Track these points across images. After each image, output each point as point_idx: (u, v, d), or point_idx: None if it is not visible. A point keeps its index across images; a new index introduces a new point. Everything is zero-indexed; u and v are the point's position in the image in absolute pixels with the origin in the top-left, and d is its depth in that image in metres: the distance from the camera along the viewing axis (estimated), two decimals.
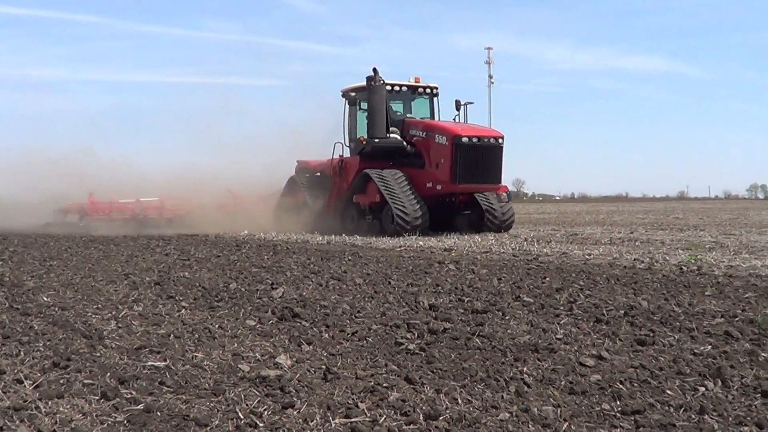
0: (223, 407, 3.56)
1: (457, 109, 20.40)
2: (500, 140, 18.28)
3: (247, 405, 3.58)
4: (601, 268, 9.40)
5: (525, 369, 4.13)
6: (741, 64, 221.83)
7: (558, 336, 5.00)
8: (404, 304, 6.55)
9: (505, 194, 18.90)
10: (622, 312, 5.85)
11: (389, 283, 8.02)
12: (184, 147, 42.03)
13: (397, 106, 20.73)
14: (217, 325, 5.59)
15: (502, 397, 3.65)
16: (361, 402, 3.59)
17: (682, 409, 3.40)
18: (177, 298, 7.16)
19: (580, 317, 5.73)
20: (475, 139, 17.88)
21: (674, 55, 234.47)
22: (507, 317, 5.77)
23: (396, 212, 17.32)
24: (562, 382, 3.85)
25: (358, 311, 6.15)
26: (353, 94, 20.28)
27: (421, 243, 14.43)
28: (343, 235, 17.63)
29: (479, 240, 14.99)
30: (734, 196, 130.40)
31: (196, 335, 5.23)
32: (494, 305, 6.32)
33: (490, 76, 66.30)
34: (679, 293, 6.92)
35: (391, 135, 19.05)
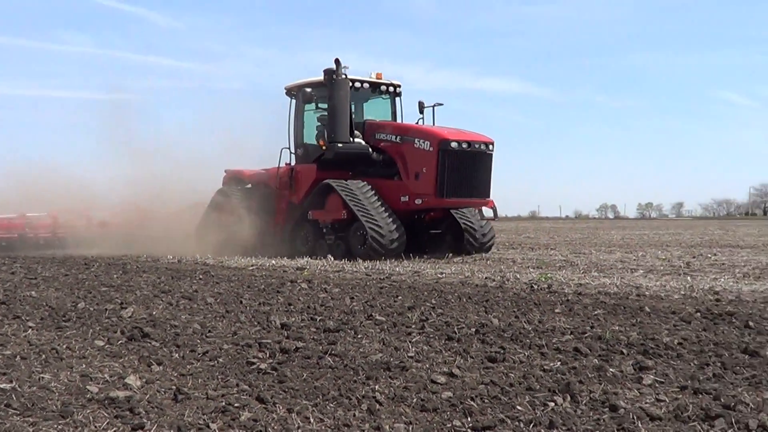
0: (71, 429, 3.47)
1: (421, 112, 18.02)
2: (491, 147, 16.24)
3: (96, 427, 3.49)
4: (453, 286, 9.59)
5: (377, 387, 4.16)
6: (592, 88, 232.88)
7: (410, 354, 5.06)
8: (256, 323, 6.50)
9: (491, 210, 17.00)
10: (474, 330, 5.99)
11: (241, 302, 7.95)
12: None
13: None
14: (64, 346, 5.41)
15: (354, 415, 3.66)
16: (212, 422, 3.54)
17: (532, 424, 3.49)
18: (23, 317, 6.93)
19: (431, 335, 5.83)
20: (464, 145, 15.69)
21: (528, 77, 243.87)
22: (359, 336, 5.81)
23: (370, 232, 15.07)
24: (414, 400, 3.90)
25: (209, 331, 6.06)
26: (309, 90, 17.28)
27: (273, 262, 14.34)
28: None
29: (332, 260, 15.01)
30: (584, 216, 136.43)
31: (43, 356, 5.05)
32: (346, 324, 6.36)
33: None
34: (530, 311, 7.15)
35: (355, 139, 16.89)
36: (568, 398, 3.90)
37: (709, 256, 15.38)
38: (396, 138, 16.51)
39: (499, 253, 17.32)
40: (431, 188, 15.51)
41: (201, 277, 11.00)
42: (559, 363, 4.72)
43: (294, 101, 18.21)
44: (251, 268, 12.88)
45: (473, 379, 4.35)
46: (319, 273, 11.84)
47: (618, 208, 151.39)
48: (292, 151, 17.97)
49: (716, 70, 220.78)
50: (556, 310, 7.15)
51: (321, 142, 16.73)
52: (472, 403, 3.83)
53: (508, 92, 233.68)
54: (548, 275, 10.74)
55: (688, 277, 10.26)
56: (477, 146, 15.85)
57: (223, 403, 3.83)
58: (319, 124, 17.40)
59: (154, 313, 7.12)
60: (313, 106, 17.91)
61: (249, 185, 19.21)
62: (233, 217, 17.69)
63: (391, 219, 15.41)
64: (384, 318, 6.72)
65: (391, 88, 18.08)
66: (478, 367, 4.69)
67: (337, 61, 16.27)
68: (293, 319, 6.73)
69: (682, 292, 8.51)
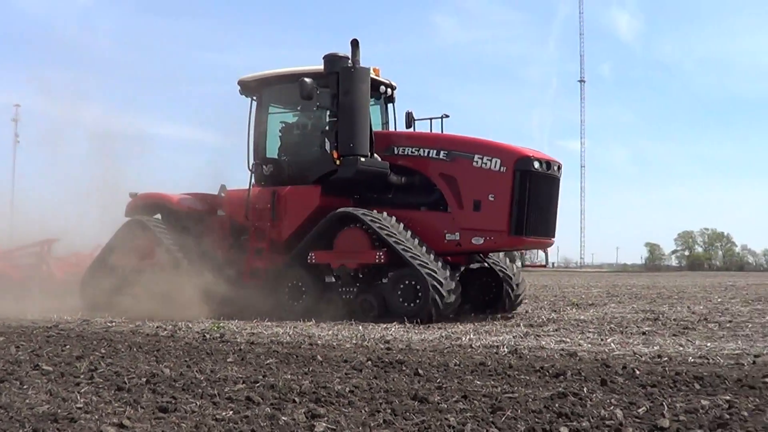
0: None
1: (409, 126, 14.61)
2: (561, 170, 13.22)
3: None
4: (124, 335, 9.45)
5: None
6: None
7: (78, 405, 4.94)
8: None
9: (544, 253, 14.10)
10: (144, 379, 5.94)
11: None
12: None
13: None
14: None
15: None
16: None
17: None
18: None
19: (101, 385, 5.73)
20: (545, 166, 12.48)
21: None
22: (25, 386, 5.60)
23: (430, 282, 11.48)
24: None
25: None
26: (310, 81, 12.66)
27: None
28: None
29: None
30: None
31: None
32: (12, 374, 6.12)
33: (17, 135, 64.39)
34: (202, 360, 7.21)
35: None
36: None
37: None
38: (436, 154, 12.84)
39: None
40: (502, 223, 12.14)
41: None
42: (231, 412, 4.81)
43: (255, 101, 14.19)
44: None
45: (144, 429, 4.34)
46: None
47: None
48: (250, 168, 13.89)
49: None
50: (229, 359, 7.26)
51: (335, 155, 12.49)
52: None
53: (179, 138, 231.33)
54: (221, 324, 10.84)
55: (360, 327, 10.81)
56: (555, 169, 12.86)
57: None
58: (297, 131, 14.05)
59: None
60: (277, 109, 14.47)
61: (191, 215, 14.60)
62: (155, 261, 13.78)
63: (441, 265, 12.00)
64: (51, 368, 6.53)
65: (388, 90, 14.59)
66: (149, 417, 4.66)
67: (355, 43, 12.59)
68: None
69: (354, 341, 8.96)
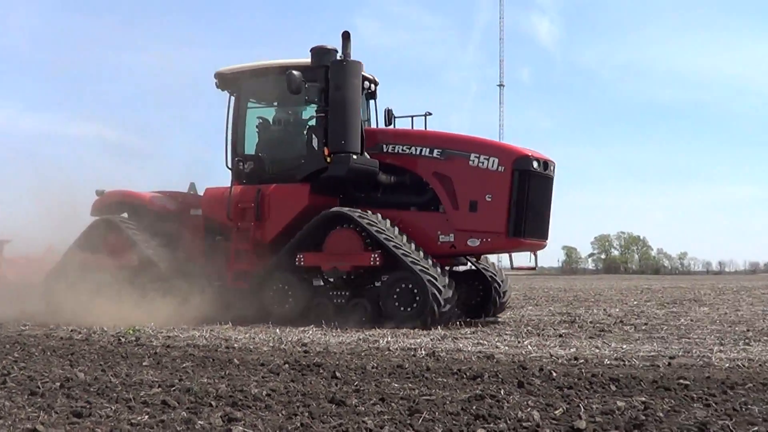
0: None
1: (388, 122, 14.24)
2: (555, 170, 12.87)
3: None
4: (37, 339, 9.31)
5: None
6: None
7: None
8: None
9: (534, 255, 13.23)
10: (58, 384, 5.86)
11: None
12: None
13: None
14: None
15: None
16: None
17: None
18: None
19: (14, 390, 5.64)
20: (542, 166, 12.25)
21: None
22: None
23: (430, 288, 11.16)
24: None
25: None
26: (297, 74, 12.24)
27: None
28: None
29: None
30: None
31: None
32: None
33: None
34: (117, 364, 7.14)
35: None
36: None
37: None
38: (429, 152, 12.49)
39: None
40: (500, 224, 11.88)
41: None
42: (147, 416, 4.77)
43: (234, 96, 13.54)
44: None
45: None
46: None
47: None
48: (228, 166, 13.35)
49: None
50: (144, 363, 7.20)
51: (326, 152, 12.16)
52: None
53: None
54: (136, 328, 10.71)
55: (277, 330, 10.79)
56: (551, 168, 12.61)
57: None
58: (278, 127, 13.60)
59: None
60: (256, 104, 13.85)
61: (166, 214, 14.02)
62: (132, 266, 13.19)
63: (441, 270, 11.67)
64: None
65: (372, 86, 14.01)
66: (64, 422, 4.60)
67: (346, 35, 12.22)
68: None
69: (271, 344, 8.96)
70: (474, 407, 5.03)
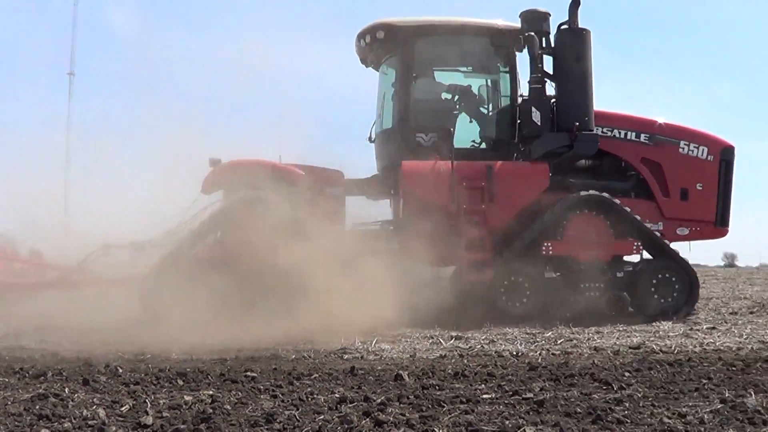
0: None
1: None
2: None
3: None
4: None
5: None
6: None
7: None
8: None
9: None
10: None
11: None
12: None
13: None
14: None
15: None
16: None
17: None
18: None
19: None
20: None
21: None
22: None
23: (695, 278, 11.39)
24: None
25: None
26: (536, 37, 11.46)
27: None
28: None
29: None
30: None
31: None
32: None
33: None
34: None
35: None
36: None
37: None
38: (636, 136, 12.23)
39: None
40: (710, 213, 12.21)
41: None
42: None
43: (401, 55, 12.31)
44: None
45: None
46: None
47: None
48: (424, 138, 12.01)
49: None
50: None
51: (574, 128, 11.23)
52: None
53: None
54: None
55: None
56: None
57: None
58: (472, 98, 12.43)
59: None
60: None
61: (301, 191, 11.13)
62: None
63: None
64: None
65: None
66: None
67: (576, 2, 11.35)
68: None
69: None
70: (37, 407, 5.13)
